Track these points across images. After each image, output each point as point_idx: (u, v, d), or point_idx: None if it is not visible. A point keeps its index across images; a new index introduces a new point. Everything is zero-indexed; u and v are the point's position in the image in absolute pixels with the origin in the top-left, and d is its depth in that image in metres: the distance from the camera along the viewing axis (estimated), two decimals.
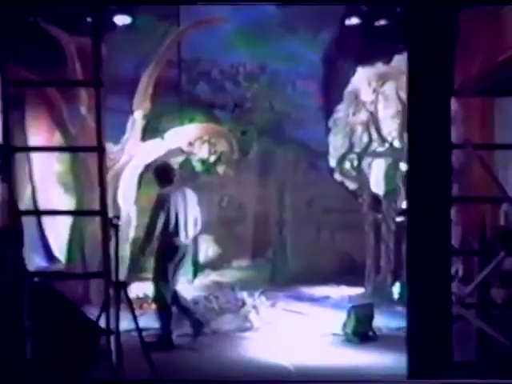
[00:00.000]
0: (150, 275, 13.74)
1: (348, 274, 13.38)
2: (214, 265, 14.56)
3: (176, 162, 12.88)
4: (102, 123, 6.82)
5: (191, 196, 9.48)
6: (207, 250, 14.82)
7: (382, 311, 10.13)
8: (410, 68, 6.49)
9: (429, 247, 6.43)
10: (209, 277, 14.05)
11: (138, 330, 6.78)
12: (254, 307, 9.70)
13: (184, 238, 9.07)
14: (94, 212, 7.69)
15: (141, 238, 9.38)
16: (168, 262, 9.01)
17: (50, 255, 11.88)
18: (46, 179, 12.10)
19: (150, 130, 12.03)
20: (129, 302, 6.94)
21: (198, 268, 13.96)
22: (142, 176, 11.81)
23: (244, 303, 9.72)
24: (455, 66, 7.05)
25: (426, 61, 6.40)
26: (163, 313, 8.96)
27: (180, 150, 12.55)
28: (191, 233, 9.19)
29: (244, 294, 10.03)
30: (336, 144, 11.92)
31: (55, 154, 12.14)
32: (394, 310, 10.78)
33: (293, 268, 13.71)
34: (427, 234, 6.46)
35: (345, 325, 9.08)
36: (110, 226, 6.95)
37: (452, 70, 6.52)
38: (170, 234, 8.99)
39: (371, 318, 9.22)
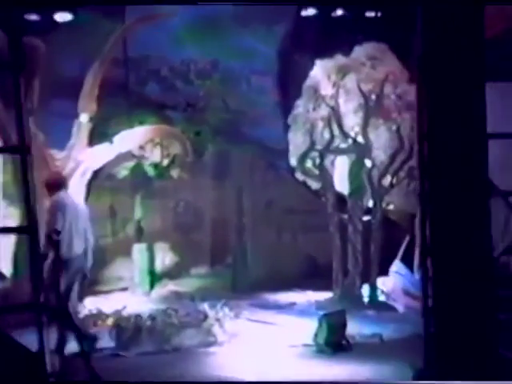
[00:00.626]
0: (102, 287, 13.36)
1: (313, 277, 12.93)
2: (172, 274, 13.99)
3: (127, 167, 12.19)
4: (24, 120, 5.75)
5: (82, 206, 8.73)
6: (164, 258, 14.21)
7: (353, 316, 9.51)
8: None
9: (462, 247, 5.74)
10: (166, 287, 13.37)
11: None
12: (217, 320, 9.01)
13: (77, 249, 8.19)
14: (19, 229, 6.80)
15: None
16: (60, 274, 8.16)
17: None
18: None
19: (98, 134, 11.30)
20: (74, 329, 6.21)
21: (154, 278, 13.24)
22: (90, 183, 11.04)
23: (206, 316, 9.02)
24: None
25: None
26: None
27: (131, 155, 11.88)
28: (82, 245, 8.24)
29: (205, 306, 9.29)
30: (296, 142, 11.40)
31: None
32: (365, 315, 10.32)
33: (254, 274, 13.14)
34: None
35: (316, 335, 8.46)
36: (48, 242, 6.21)
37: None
38: (61, 245, 8.09)
39: (344, 326, 8.61)
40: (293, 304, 11.40)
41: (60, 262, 7.06)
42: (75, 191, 10.53)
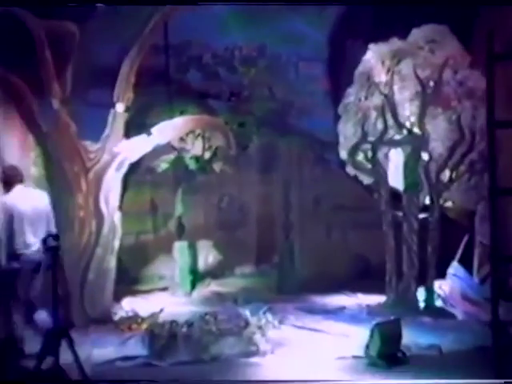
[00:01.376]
0: (142, 287, 12.74)
1: (364, 279, 12.30)
2: (215, 273, 13.32)
3: (167, 160, 11.53)
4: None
5: (40, 197, 8.33)
6: (206, 256, 13.58)
7: (408, 324, 8.67)
8: None
9: None
10: (208, 287, 12.69)
11: None
12: (259, 327, 8.25)
13: (35, 248, 7.69)
14: None
15: None
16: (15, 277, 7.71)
17: None
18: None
19: (135, 125, 10.68)
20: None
21: (196, 278, 12.57)
22: (126, 177, 10.39)
23: (247, 323, 8.25)
24: None
25: None
26: None
27: (170, 147, 11.22)
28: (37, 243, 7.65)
29: (247, 313, 8.52)
30: (347, 133, 10.54)
31: (31, 156, 10.66)
32: (420, 322, 9.47)
33: (302, 274, 12.46)
34: None
35: (368, 346, 7.63)
36: (44, 249, 5.61)
37: None
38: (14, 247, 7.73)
39: (399, 336, 7.78)
40: (342, 308, 10.64)
41: (58, 269, 6.43)
42: (110, 186, 9.95)
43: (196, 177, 13.13)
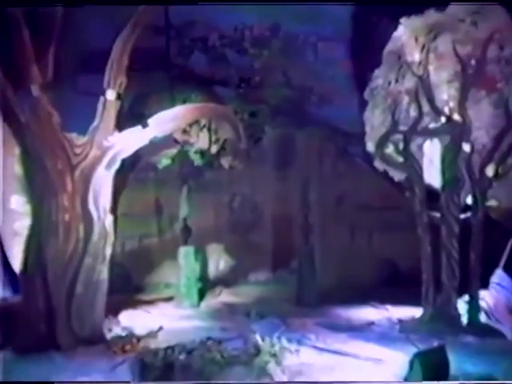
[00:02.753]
0: (145, 296, 11.50)
1: (394, 288, 11.20)
2: (227, 280, 12.40)
3: (168, 155, 10.23)
4: None
5: None
6: (217, 262, 12.57)
7: (450, 345, 7.25)
8: None
9: None
10: (219, 297, 11.44)
11: None
12: (274, 355, 6.86)
13: None
14: None
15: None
16: None
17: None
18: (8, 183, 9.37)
19: (130, 115, 9.70)
20: None
21: (205, 286, 11.44)
22: (124, 175, 9.09)
23: (259, 350, 6.87)
24: None
25: None
26: None
27: (173, 140, 9.91)
28: None
29: (257, 338, 7.13)
30: (374, 122, 9.42)
31: (15, 153, 9.37)
32: (465, 344, 8.11)
33: (323, 282, 11.25)
34: None
35: (407, 379, 6.23)
36: None
37: None
38: None
39: (445, 368, 6.37)
40: (370, 324, 9.32)
41: None
42: (100, 185, 8.64)
43: (204, 173, 11.98)
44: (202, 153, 10.11)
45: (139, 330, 8.91)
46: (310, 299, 10.69)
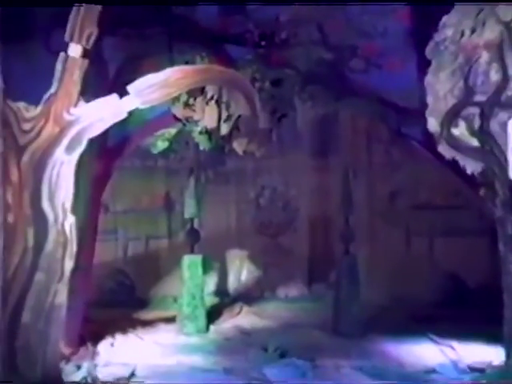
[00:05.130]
0: (147, 313, 9.30)
1: (458, 308, 9.01)
2: (250, 295, 10.42)
3: (165, 136, 7.93)
4: None
5: None
6: (239, 271, 10.75)
7: None
8: None
9: None
10: (237, 317, 9.19)
11: None
12: None
13: None
14: None
15: None
16: None
17: None
18: None
19: (118, 83, 7.21)
20: None
21: (222, 302, 9.67)
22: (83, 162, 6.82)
23: None
24: None
25: None
26: None
27: (171, 116, 7.55)
28: None
29: None
30: (439, 90, 6.78)
31: None
32: None
33: (368, 302, 8.83)
34: None
35: None
36: None
37: None
38: None
39: None
40: (430, 372, 6.68)
41: None
42: (59, 175, 6.38)
43: (225, 161, 9.77)
44: (209, 133, 7.68)
45: (114, 370, 6.70)
46: (349, 326, 8.29)
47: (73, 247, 6.56)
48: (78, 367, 6.91)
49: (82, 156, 6.81)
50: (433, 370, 6.69)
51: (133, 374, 6.25)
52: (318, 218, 10.35)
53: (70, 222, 6.51)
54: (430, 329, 8.01)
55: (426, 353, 7.35)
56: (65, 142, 6.37)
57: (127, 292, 10.42)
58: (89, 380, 6.22)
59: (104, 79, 7.68)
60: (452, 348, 7.36)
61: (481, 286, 9.03)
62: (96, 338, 7.95)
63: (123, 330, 8.44)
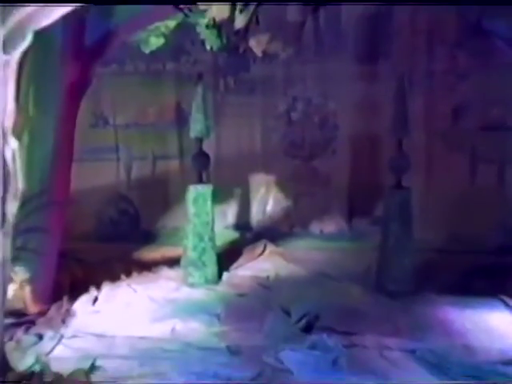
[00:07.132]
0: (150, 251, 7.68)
1: None
2: (277, 230, 8.63)
3: (160, 30, 6.04)
4: None
5: None
6: (265, 201, 8.86)
7: None
8: None
9: None
10: (260, 257, 7.68)
11: None
12: None
13: None
14: None
15: None
16: None
17: None
18: None
19: None
20: None
21: (243, 235, 8.37)
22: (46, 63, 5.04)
23: None
24: None
25: None
26: None
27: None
28: None
29: None
30: None
31: None
32: None
33: (424, 247, 6.99)
34: None
35: None
36: None
37: None
38: None
39: None
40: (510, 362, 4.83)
41: None
42: None
43: (249, 67, 8.04)
44: (219, 28, 5.75)
45: (81, 344, 5.04)
46: (399, 282, 6.35)
47: (18, 184, 4.80)
48: (40, 337, 5.27)
49: (42, 57, 5.06)
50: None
51: (93, 367, 4.51)
52: (362, 138, 8.43)
53: (11, 147, 4.76)
54: (503, 285, 6.16)
55: (501, 322, 5.49)
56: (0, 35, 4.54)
57: (130, 223, 8.77)
58: (36, 368, 4.51)
59: None
60: None
61: None
62: (77, 289, 6.30)
63: (114, 276, 6.74)
